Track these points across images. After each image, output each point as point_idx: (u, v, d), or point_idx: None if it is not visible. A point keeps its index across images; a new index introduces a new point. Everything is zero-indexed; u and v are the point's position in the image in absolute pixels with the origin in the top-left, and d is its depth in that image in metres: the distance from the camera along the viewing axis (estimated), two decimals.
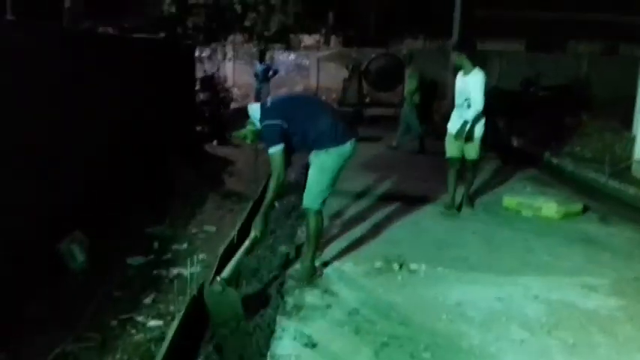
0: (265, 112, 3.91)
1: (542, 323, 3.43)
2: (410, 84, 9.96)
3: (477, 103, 5.39)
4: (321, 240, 4.23)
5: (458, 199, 5.92)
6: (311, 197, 4.00)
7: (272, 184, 3.86)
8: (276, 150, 3.81)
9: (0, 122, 3.46)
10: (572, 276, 4.23)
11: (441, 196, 6.13)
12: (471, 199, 6.12)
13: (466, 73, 5.57)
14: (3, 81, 3.45)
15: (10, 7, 7.07)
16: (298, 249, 4.57)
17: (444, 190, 6.02)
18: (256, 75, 13.29)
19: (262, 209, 3.94)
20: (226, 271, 3.53)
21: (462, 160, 5.80)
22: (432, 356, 3.01)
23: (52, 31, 4.23)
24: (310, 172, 4.08)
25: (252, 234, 3.85)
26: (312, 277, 4.01)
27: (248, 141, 4.11)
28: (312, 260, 4.08)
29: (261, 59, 13.67)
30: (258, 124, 3.93)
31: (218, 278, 3.44)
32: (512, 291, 3.90)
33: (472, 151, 5.73)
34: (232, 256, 3.78)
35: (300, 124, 3.90)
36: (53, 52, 4.14)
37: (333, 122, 3.99)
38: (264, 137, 3.91)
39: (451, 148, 5.79)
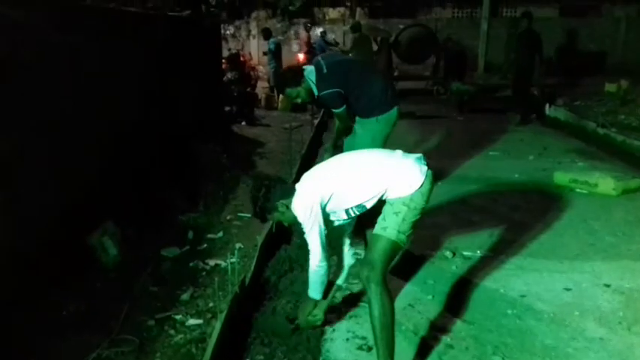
0: (322, 79, 3.96)
1: (619, 317, 3.10)
2: None
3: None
4: None
5: None
6: None
7: (338, 124, 4.40)
8: (340, 110, 4.11)
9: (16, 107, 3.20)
10: None
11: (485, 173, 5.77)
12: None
13: None
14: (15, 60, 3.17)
15: None
16: None
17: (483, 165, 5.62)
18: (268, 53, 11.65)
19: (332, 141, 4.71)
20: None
21: None
22: None
23: (72, 6, 3.95)
24: (360, 141, 4.07)
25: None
26: None
27: (299, 100, 4.23)
28: None
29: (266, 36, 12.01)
30: (313, 87, 4.01)
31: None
32: (581, 279, 3.56)
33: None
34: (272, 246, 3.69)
35: (354, 89, 4.03)
36: (69, 30, 3.81)
37: (384, 87, 4.14)
38: (326, 102, 4.12)
39: None
